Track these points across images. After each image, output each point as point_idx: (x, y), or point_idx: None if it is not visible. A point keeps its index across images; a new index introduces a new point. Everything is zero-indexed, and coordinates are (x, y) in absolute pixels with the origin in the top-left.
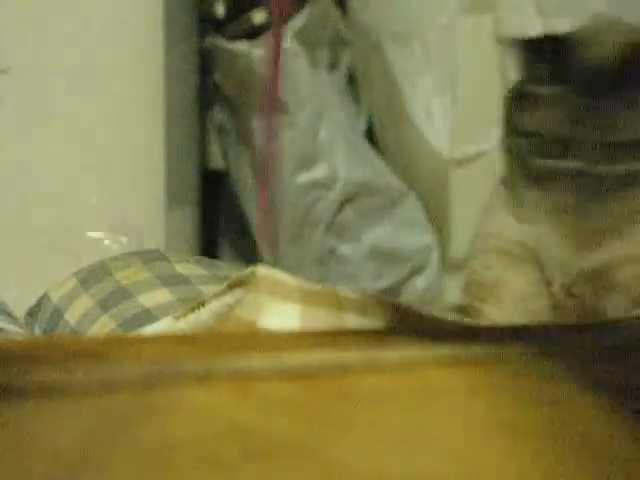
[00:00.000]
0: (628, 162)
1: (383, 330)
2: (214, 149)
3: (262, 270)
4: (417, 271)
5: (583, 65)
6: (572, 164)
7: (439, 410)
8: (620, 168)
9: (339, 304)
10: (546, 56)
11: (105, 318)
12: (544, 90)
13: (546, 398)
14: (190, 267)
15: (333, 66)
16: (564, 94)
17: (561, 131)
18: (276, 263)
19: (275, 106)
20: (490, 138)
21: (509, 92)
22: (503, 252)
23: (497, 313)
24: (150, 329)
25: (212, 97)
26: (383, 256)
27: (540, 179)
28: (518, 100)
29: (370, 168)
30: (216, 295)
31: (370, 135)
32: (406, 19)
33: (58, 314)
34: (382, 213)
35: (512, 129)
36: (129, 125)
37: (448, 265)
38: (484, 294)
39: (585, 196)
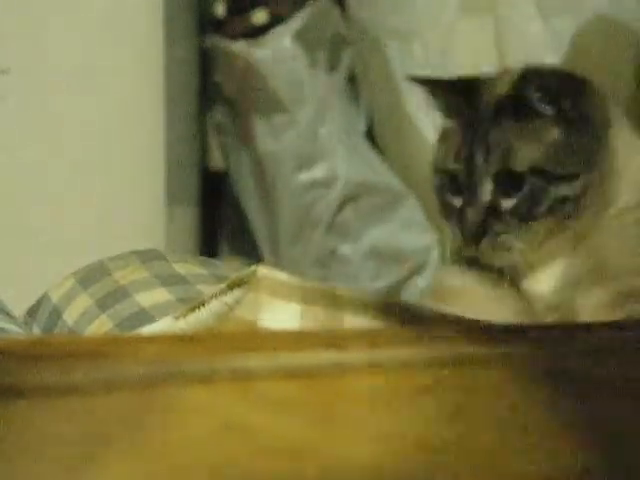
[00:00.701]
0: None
1: (383, 330)
2: (214, 149)
3: (262, 270)
4: (417, 271)
5: (478, 99)
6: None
7: (438, 410)
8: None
9: (339, 304)
10: (449, 95)
11: (103, 318)
12: (446, 126)
13: (545, 398)
14: (188, 266)
15: (333, 66)
16: (456, 128)
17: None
18: (276, 263)
19: None
20: None
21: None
22: (482, 275)
23: None
24: (150, 329)
25: (212, 97)
26: (383, 256)
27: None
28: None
29: (370, 168)
30: (216, 295)
31: (370, 135)
32: (406, 18)
33: (57, 314)
34: (382, 213)
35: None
36: (129, 125)
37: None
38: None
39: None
